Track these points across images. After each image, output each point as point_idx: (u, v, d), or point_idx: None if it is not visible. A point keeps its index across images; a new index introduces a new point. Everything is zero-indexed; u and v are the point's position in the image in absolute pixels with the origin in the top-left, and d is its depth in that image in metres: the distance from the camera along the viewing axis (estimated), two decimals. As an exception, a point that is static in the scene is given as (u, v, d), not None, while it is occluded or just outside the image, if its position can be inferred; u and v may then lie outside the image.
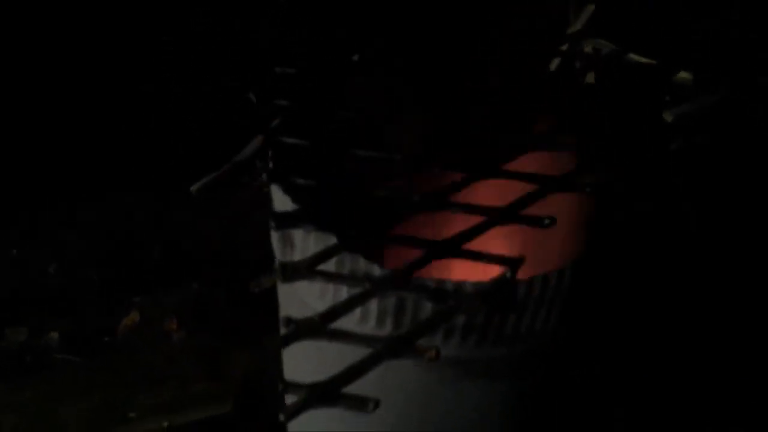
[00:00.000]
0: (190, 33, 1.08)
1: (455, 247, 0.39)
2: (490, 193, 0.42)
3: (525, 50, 0.53)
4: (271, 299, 1.23)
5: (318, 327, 0.35)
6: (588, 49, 0.73)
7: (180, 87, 1.10)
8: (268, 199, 1.19)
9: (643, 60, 0.66)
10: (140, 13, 1.07)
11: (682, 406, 0.81)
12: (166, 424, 1.00)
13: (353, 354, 0.36)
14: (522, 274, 0.38)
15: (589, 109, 0.56)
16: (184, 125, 1.18)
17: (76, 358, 1.10)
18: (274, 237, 0.47)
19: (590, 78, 0.65)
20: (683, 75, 0.69)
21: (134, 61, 1.12)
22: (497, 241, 0.41)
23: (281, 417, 0.33)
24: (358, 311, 0.40)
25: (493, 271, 0.39)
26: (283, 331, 0.36)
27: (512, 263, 0.38)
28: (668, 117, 0.60)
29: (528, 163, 0.43)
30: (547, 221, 0.39)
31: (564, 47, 0.56)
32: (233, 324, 1.15)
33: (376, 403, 0.33)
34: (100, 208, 1.22)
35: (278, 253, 0.46)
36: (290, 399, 0.35)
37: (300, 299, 0.43)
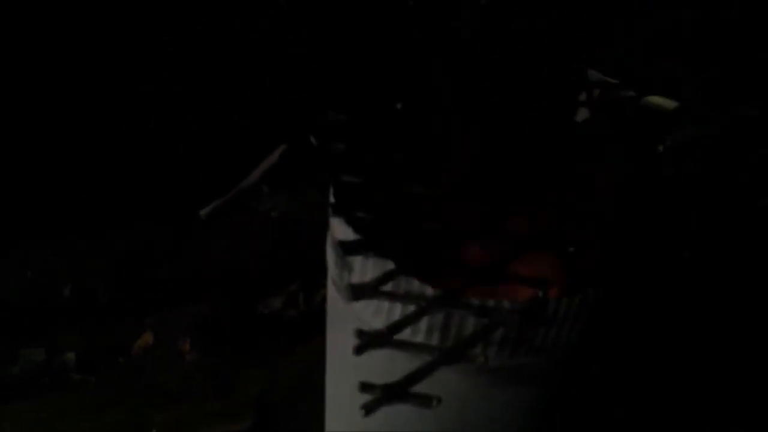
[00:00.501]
0: (190, 33, 1.09)
1: (495, 271, 0.47)
2: (519, 225, 0.51)
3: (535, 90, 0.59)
4: (279, 320, 1.30)
5: (386, 337, 0.44)
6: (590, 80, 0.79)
7: (180, 87, 1.12)
8: (274, 222, 1.24)
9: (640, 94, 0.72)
10: (140, 13, 1.07)
11: (682, 406, 0.82)
12: None
13: (405, 362, 0.44)
14: (551, 294, 0.47)
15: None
16: (192, 130, 1.20)
17: (93, 377, 1.15)
18: (332, 261, 0.55)
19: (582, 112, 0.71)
20: (666, 103, 0.73)
21: (134, 61, 1.13)
22: (523, 267, 0.50)
23: (361, 414, 0.41)
24: (409, 327, 0.48)
25: (525, 291, 0.48)
26: (354, 341, 0.44)
27: (543, 284, 0.47)
28: (660, 146, 0.66)
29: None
30: (571, 249, 0.48)
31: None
32: (245, 344, 1.21)
33: (439, 400, 0.42)
34: (113, 231, 1.27)
35: (336, 277, 0.54)
36: (363, 399, 0.43)
37: (356, 316, 0.52)
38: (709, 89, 0.70)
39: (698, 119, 0.70)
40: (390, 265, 0.48)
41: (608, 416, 0.73)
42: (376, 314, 0.50)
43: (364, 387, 0.42)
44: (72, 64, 1.13)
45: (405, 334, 0.48)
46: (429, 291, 0.47)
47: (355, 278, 0.51)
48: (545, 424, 0.57)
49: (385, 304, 0.50)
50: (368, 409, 0.41)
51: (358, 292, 0.45)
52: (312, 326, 1.19)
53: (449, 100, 0.53)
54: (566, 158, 0.54)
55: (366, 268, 0.50)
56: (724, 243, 0.77)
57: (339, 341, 0.58)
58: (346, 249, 0.48)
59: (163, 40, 1.09)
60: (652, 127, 0.68)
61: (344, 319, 0.53)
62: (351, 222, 0.50)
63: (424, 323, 0.49)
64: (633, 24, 0.72)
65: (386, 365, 0.45)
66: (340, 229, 0.51)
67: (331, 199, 0.51)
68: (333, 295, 0.58)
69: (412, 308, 0.47)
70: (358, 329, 0.44)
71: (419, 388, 0.44)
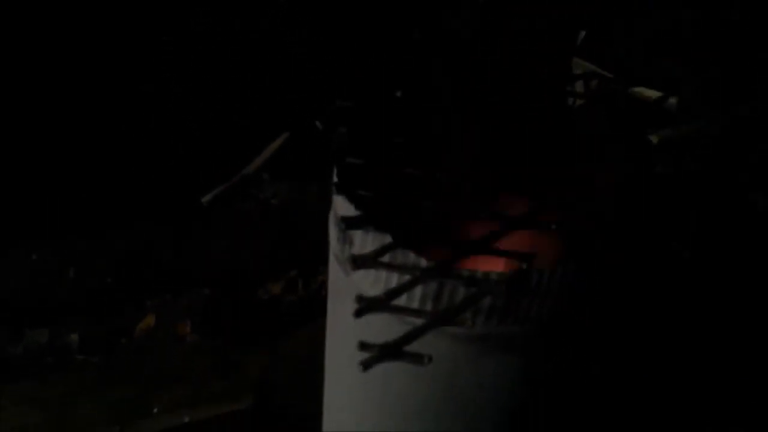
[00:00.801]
0: (190, 33, 1.11)
1: (484, 246, 0.53)
2: (507, 205, 0.57)
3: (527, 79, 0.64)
4: (279, 305, 1.34)
5: (384, 303, 0.49)
6: (579, 72, 0.82)
7: (180, 87, 1.15)
8: (275, 210, 1.27)
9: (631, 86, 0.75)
10: (140, 13, 1.09)
11: (682, 406, 0.83)
12: (187, 418, 1.11)
13: (400, 328, 0.49)
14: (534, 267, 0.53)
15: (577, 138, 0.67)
16: (192, 129, 1.22)
17: (96, 358, 1.20)
18: (334, 237, 0.60)
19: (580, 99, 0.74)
20: (648, 93, 0.76)
21: (134, 61, 1.14)
22: (512, 241, 0.55)
23: (360, 369, 0.46)
24: (404, 295, 0.54)
25: (512, 265, 0.53)
26: (354, 306, 0.50)
27: (527, 258, 0.52)
28: (654, 140, 0.70)
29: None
30: (553, 226, 0.53)
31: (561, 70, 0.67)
32: (245, 327, 1.26)
33: (430, 358, 0.47)
34: (116, 216, 1.31)
35: (338, 251, 0.60)
36: (359, 356, 0.48)
37: (356, 287, 0.57)
38: (710, 89, 0.72)
39: (697, 117, 0.72)
40: (388, 239, 0.53)
41: (608, 416, 0.74)
42: (374, 284, 0.56)
43: (363, 346, 0.47)
44: (72, 65, 1.16)
45: (401, 302, 0.53)
46: (423, 262, 0.53)
47: (356, 251, 0.56)
48: (536, 393, 0.62)
49: (383, 275, 0.55)
50: (366, 365, 0.46)
51: (359, 263, 0.50)
52: (311, 310, 1.24)
53: (448, 93, 0.58)
54: (563, 152, 0.59)
55: (366, 242, 0.55)
56: (724, 243, 0.81)
57: (339, 312, 0.63)
58: (348, 224, 0.53)
59: (163, 40, 1.11)
60: (646, 120, 0.70)
61: (345, 291, 0.59)
62: (352, 199, 0.55)
63: (418, 292, 0.54)
64: (633, 24, 0.76)
65: (383, 330, 0.50)
66: (342, 206, 0.57)
67: (335, 179, 0.57)
68: (334, 270, 0.63)
69: (407, 278, 0.52)
70: (358, 295, 0.49)
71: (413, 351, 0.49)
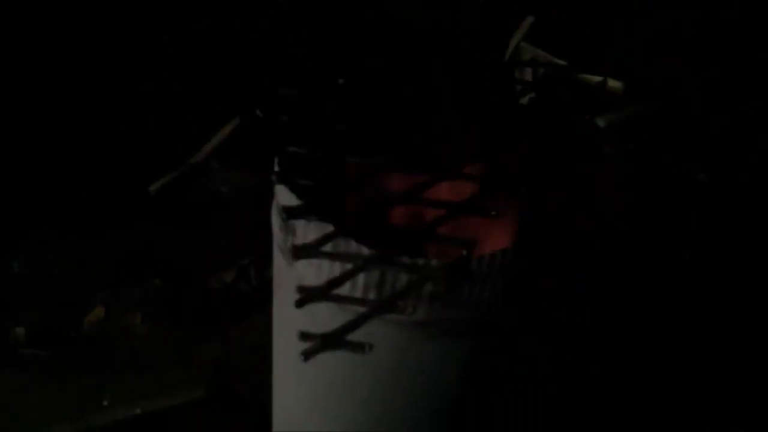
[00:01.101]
0: (190, 33, 1.12)
1: (425, 233, 0.54)
2: (448, 192, 0.58)
3: (468, 64, 0.65)
4: (230, 294, 1.34)
5: (325, 292, 0.50)
6: (526, 57, 0.84)
7: (180, 87, 1.16)
8: (226, 197, 1.26)
9: (581, 74, 0.76)
10: (140, 13, 1.11)
11: (682, 406, 0.83)
12: (139, 410, 1.11)
13: (344, 319, 0.50)
14: (474, 254, 0.54)
15: (524, 121, 0.68)
16: (191, 137, 1.22)
17: (44, 352, 1.19)
18: (276, 226, 0.61)
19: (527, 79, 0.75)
20: (614, 84, 0.78)
21: (134, 61, 1.16)
22: (450, 229, 0.56)
23: (301, 359, 0.47)
24: (347, 284, 0.54)
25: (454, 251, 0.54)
26: (296, 296, 0.50)
27: (468, 244, 0.53)
28: (601, 122, 0.72)
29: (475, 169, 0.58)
30: (493, 213, 0.54)
31: (504, 58, 0.68)
32: (196, 316, 1.26)
33: (371, 346, 0.48)
34: (63, 208, 1.29)
35: (280, 241, 0.60)
36: (302, 347, 0.49)
37: (299, 277, 0.58)
38: (710, 89, 0.74)
39: (640, 99, 0.75)
40: (329, 228, 0.54)
41: (608, 416, 0.74)
42: (317, 275, 0.56)
43: (304, 336, 0.47)
44: (72, 65, 1.16)
45: (344, 291, 0.54)
46: (364, 250, 0.53)
47: (298, 241, 0.56)
48: (481, 381, 0.64)
49: (326, 264, 0.55)
50: (307, 355, 0.46)
51: (300, 252, 0.51)
52: (263, 299, 1.24)
53: (388, 77, 0.59)
54: (510, 139, 0.60)
55: (307, 232, 0.56)
56: (724, 243, 0.83)
57: (283, 303, 0.64)
58: (290, 213, 0.54)
59: (163, 40, 1.13)
60: (593, 104, 0.72)
61: (288, 281, 0.59)
62: (294, 189, 0.56)
63: (361, 280, 0.55)
64: (633, 24, 0.77)
65: (327, 320, 0.51)
66: (284, 196, 0.57)
67: (276, 168, 0.57)
68: (278, 261, 0.64)
69: (349, 267, 0.53)
70: (300, 285, 0.49)
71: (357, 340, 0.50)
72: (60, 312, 1.27)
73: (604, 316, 0.64)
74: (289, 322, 0.62)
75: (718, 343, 0.86)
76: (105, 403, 1.14)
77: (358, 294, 0.56)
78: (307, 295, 0.50)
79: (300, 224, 0.56)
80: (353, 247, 0.54)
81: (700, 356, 0.85)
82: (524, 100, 0.72)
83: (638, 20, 0.76)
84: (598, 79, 0.76)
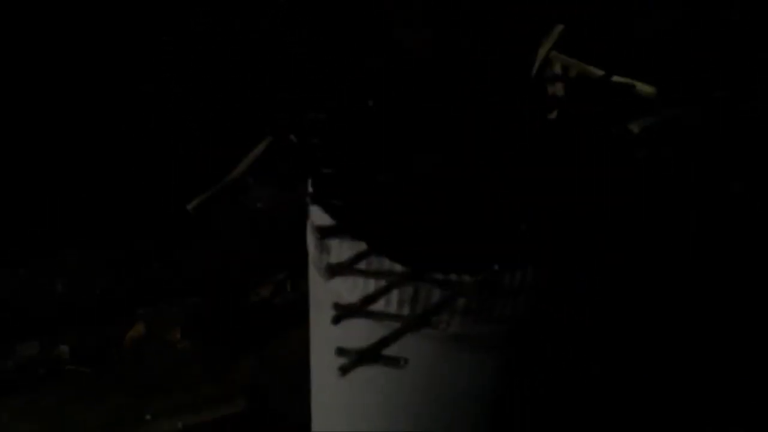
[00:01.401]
0: (190, 33, 1.12)
1: (457, 249, 0.56)
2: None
3: (500, 72, 0.66)
4: (268, 308, 1.37)
5: (360, 308, 0.52)
6: (557, 67, 0.85)
7: (180, 87, 1.16)
8: (261, 214, 1.27)
9: (611, 77, 0.76)
10: (140, 13, 1.10)
11: (682, 406, 0.84)
12: (180, 424, 1.14)
13: (378, 330, 0.52)
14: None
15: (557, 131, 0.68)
16: (192, 137, 1.24)
17: (87, 368, 1.22)
18: (312, 246, 0.63)
19: (559, 93, 0.75)
20: (647, 89, 0.78)
21: (134, 61, 1.16)
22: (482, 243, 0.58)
23: (338, 374, 0.49)
24: (382, 300, 0.57)
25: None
26: (332, 313, 0.52)
27: (499, 259, 0.55)
28: (634, 128, 0.72)
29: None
30: (523, 227, 0.56)
31: (535, 66, 0.69)
32: (234, 332, 1.28)
33: (406, 360, 0.50)
34: (103, 227, 1.33)
35: (315, 259, 0.62)
36: (339, 362, 0.51)
37: (335, 294, 0.60)
38: (709, 87, 0.73)
39: (675, 105, 0.73)
40: (363, 247, 0.56)
41: (608, 416, 0.75)
42: (352, 291, 0.59)
43: (341, 351, 0.50)
44: (72, 66, 1.17)
45: (379, 307, 0.56)
46: (397, 267, 0.56)
47: (333, 260, 0.59)
48: (510, 395, 0.65)
49: (360, 281, 0.58)
50: (344, 370, 0.49)
51: (335, 271, 0.53)
52: (300, 313, 1.26)
53: (417, 101, 0.61)
54: (544, 152, 0.61)
55: (342, 250, 0.58)
56: (724, 243, 0.82)
57: (320, 320, 0.66)
58: (324, 233, 0.56)
59: (163, 40, 1.13)
60: (626, 110, 0.72)
61: (324, 298, 0.61)
62: (327, 209, 0.58)
63: (395, 297, 0.57)
64: (633, 24, 0.77)
65: (363, 337, 0.53)
66: (318, 216, 0.60)
67: (310, 189, 0.60)
68: (314, 278, 0.66)
69: (383, 284, 0.55)
70: (335, 302, 0.52)
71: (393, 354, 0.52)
72: (101, 330, 1.30)
73: (604, 316, 0.64)
74: (326, 340, 0.65)
75: (718, 343, 0.86)
76: (147, 417, 1.17)
77: (392, 310, 0.58)
78: (342, 312, 0.52)
79: (334, 243, 0.58)
80: (387, 264, 0.56)
81: (700, 356, 0.85)
82: (553, 115, 0.72)
83: (638, 20, 0.76)
84: (628, 83, 0.75)
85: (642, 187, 0.71)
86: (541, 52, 0.74)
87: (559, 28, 0.83)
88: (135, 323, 1.31)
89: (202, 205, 1.25)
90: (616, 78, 0.75)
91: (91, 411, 1.16)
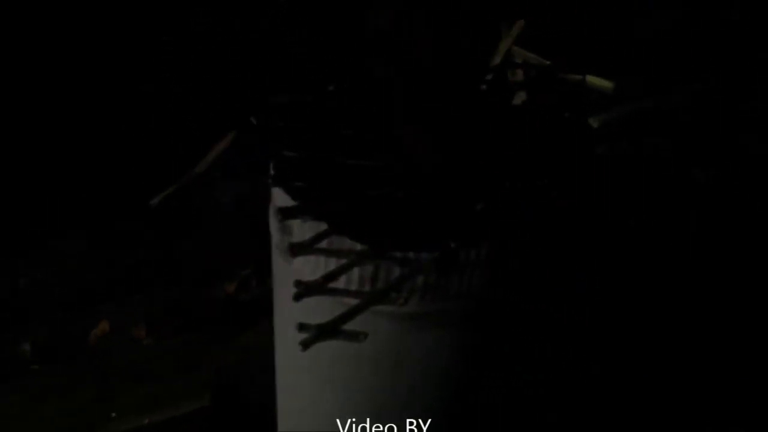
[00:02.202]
0: (190, 33, 1.12)
1: (413, 228, 0.59)
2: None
3: (459, 67, 0.68)
4: (234, 303, 1.38)
5: (321, 286, 0.54)
6: (518, 61, 0.87)
7: (180, 87, 1.16)
8: (226, 208, 1.27)
9: (570, 75, 0.78)
10: (140, 13, 1.10)
11: (682, 406, 0.84)
12: (146, 420, 1.15)
13: (339, 309, 0.55)
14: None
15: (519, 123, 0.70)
16: (192, 137, 1.24)
17: (51, 366, 1.22)
18: (274, 228, 0.66)
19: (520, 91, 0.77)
20: (604, 83, 0.80)
21: (134, 61, 1.16)
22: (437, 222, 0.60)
23: (300, 349, 0.52)
24: (343, 278, 0.59)
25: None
26: (294, 291, 0.55)
27: (455, 237, 0.58)
28: (594, 123, 0.75)
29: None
30: (479, 206, 0.59)
31: (496, 62, 0.71)
32: (200, 327, 1.30)
33: (366, 335, 0.53)
34: (64, 223, 1.33)
35: (278, 241, 0.65)
36: (300, 337, 0.53)
37: (297, 273, 0.62)
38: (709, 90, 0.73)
39: (633, 99, 0.75)
40: (324, 227, 0.59)
41: (608, 416, 0.76)
42: (314, 271, 0.61)
43: (302, 327, 0.52)
44: (72, 66, 1.17)
45: (340, 285, 0.59)
46: (357, 246, 0.58)
47: (294, 240, 0.61)
48: (472, 371, 0.68)
49: (322, 261, 0.60)
50: (305, 345, 0.51)
51: (297, 250, 0.56)
52: (266, 308, 1.28)
53: (382, 85, 0.63)
54: (503, 142, 0.64)
55: (304, 231, 0.61)
56: (723, 243, 0.82)
57: (282, 299, 0.69)
58: (285, 214, 0.59)
59: (163, 40, 1.13)
60: (586, 105, 0.74)
61: (287, 279, 0.64)
62: (289, 190, 0.61)
63: (356, 274, 0.60)
64: (633, 24, 0.77)
65: (325, 314, 0.55)
66: (280, 198, 0.62)
67: (272, 171, 0.62)
68: (277, 263, 0.68)
69: (344, 262, 0.57)
70: (297, 280, 0.54)
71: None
72: (66, 327, 1.30)
73: (604, 316, 0.66)
74: (289, 319, 0.67)
75: (718, 343, 0.87)
76: (113, 414, 1.17)
77: (353, 288, 0.60)
78: (304, 289, 0.54)
79: (296, 224, 0.61)
80: (347, 243, 0.59)
81: (700, 356, 0.86)
82: (517, 101, 0.75)
83: (638, 20, 0.77)
84: (599, 81, 0.76)
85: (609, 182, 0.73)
86: (503, 46, 0.76)
87: (521, 23, 0.85)
88: (100, 321, 1.32)
89: (166, 199, 1.25)
90: (570, 74, 0.77)
91: (55, 408, 1.16)
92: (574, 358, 0.68)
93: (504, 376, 0.70)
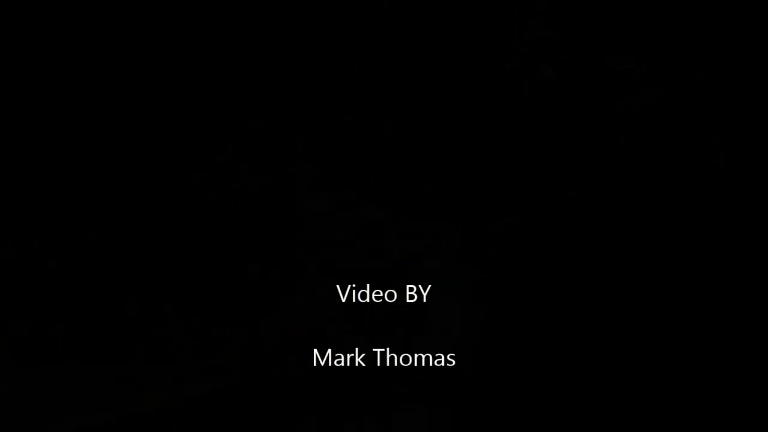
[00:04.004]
0: (190, 33, 1.13)
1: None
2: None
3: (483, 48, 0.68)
4: (259, 283, 1.37)
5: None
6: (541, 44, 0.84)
7: (180, 87, 1.18)
8: (253, 195, 1.26)
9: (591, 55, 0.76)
10: (140, 13, 1.12)
11: (682, 406, 0.85)
12: (175, 395, 1.19)
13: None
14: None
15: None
16: (192, 137, 1.27)
17: (83, 344, 1.26)
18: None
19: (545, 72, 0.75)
20: (627, 67, 0.78)
21: (134, 61, 1.18)
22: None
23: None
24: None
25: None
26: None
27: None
28: (615, 108, 0.74)
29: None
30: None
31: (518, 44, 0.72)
32: (225, 305, 1.32)
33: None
34: (96, 207, 1.36)
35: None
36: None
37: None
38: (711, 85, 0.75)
39: (656, 85, 0.75)
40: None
41: (608, 416, 0.76)
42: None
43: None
44: (71, 67, 1.21)
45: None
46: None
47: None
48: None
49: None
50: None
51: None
52: (288, 287, 1.26)
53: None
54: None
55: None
56: (723, 242, 0.84)
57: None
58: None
59: (166, 40, 1.16)
60: (609, 91, 0.74)
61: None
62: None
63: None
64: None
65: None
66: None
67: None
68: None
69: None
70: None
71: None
72: (97, 306, 1.33)
73: (603, 316, 0.68)
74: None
75: (718, 343, 0.88)
76: (145, 389, 1.22)
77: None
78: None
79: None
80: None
81: (700, 356, 0.87)
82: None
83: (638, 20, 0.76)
84: (615, 64, 0.76)
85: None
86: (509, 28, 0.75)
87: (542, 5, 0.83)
88: (128, 297, 1.34)
89: (193, 186, 1.26)
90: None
91: (87, 386, 1.22)
92: (573, 358, 0.68)
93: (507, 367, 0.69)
